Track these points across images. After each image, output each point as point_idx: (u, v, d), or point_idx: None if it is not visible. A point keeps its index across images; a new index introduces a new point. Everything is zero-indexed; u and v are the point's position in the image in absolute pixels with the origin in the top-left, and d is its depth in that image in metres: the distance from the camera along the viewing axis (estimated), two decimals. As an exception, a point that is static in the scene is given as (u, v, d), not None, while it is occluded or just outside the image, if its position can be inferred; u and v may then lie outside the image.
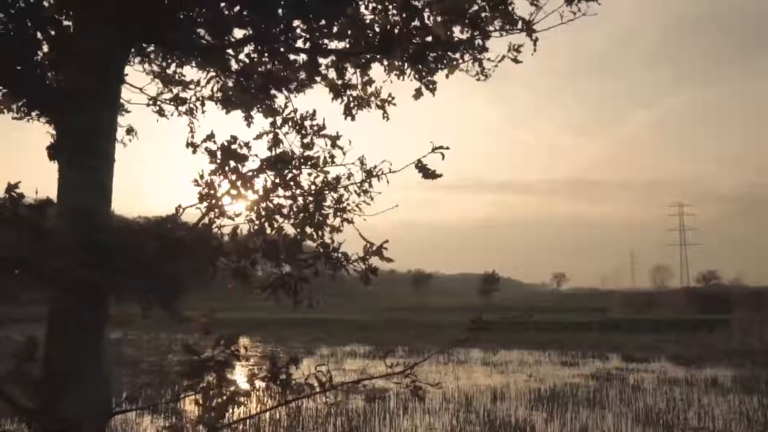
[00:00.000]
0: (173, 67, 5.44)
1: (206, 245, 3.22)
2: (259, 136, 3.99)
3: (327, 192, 3.86)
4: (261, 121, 5.00)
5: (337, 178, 4.00)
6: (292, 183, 3.70)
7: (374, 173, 4.03)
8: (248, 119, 4.94)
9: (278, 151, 3.83)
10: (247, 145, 3.69)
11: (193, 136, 5.21)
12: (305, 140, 3.98)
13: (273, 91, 4.63)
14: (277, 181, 3.63)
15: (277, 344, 32.91)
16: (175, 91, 5.59)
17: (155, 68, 5.47)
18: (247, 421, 11.62)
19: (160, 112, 5.63)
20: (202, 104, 5.50)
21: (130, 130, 5.57)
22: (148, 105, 5.59)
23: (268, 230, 3.62)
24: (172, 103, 5.59)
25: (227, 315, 54.70)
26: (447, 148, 3.84)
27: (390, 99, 5.14)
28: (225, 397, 3.33)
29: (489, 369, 22.54)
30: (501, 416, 13.37)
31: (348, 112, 5.07)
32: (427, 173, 3.93)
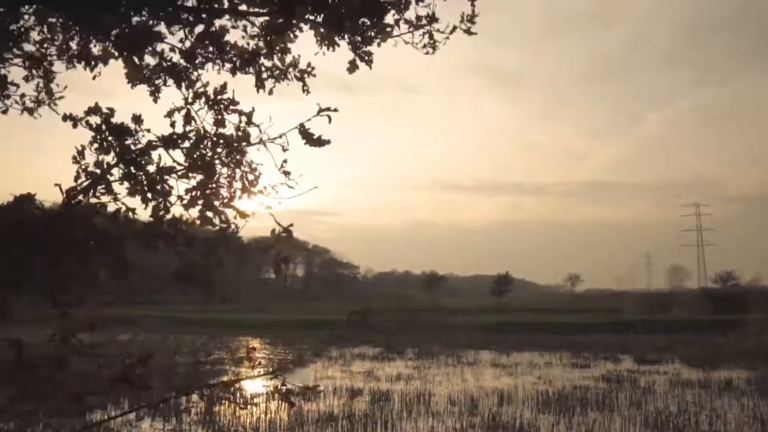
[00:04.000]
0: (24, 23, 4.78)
1: (69, 230, 2.94)
2: (169, 113, 3.58)
3: (218, 166, 3.39)
4: (173, 97, 4.27)
5: (228, 145, 3.54)
6: (200, 162, 3.30)
7: (250, 141, 3.61)
8: (154, 94, 4.43)
9: (188, 128, 3.50)
10: (138, 119, 3.32)
11: (54, 103, 4.81)
12: (218, 117, 3.60)
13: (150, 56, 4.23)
14: (186, 161, 3.33)
15: (286, 346, 32.80)
16: (27, 49, 4.86)
17: None
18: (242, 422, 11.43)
19: None
20: (51, 65, 4.87)
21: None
22: None
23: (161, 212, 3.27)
24: (21, 63, 4.87)
25: (244, 316, 54.86)
26: (335, 110, 3.55)
27: (310, 70, 4.65)
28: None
29: (498, 371, 22.22)
30: (506, 419, 13.08)
31: (260, 84, 4.60)
32: (312, 140, 3.53)
